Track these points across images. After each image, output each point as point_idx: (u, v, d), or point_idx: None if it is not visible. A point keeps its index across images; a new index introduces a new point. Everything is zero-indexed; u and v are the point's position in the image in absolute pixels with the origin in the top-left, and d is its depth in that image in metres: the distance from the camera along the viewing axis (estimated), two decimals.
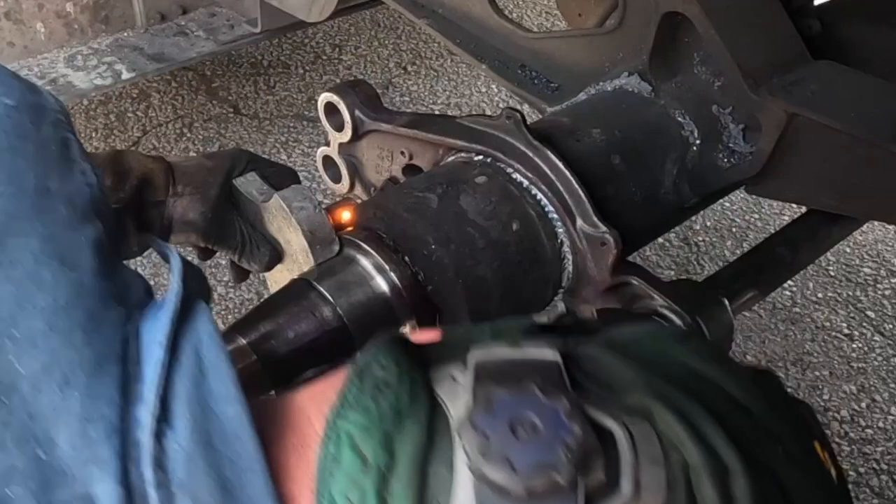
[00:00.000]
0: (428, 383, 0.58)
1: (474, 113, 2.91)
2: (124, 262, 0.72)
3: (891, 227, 2.65)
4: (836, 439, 2.08)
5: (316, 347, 1.05)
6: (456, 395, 0.57)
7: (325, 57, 3.38)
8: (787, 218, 2.69)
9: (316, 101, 1.36)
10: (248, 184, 1.15)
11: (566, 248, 1.16)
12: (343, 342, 1.07)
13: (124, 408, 0.56)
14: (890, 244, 2.63)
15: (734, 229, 2.67)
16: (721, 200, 2.14)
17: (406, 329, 1.12)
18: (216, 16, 2.34)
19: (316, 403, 0.62)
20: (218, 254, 1.18)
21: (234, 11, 2.33)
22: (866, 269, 2.56)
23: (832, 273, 2.53)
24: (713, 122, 1.25)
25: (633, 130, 1.28)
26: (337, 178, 1.43)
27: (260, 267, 1.17)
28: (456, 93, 3.24)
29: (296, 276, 1.13)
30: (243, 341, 1.03)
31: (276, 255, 1.16)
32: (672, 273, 2.51)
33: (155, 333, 0.60)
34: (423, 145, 1.28)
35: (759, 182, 1.25)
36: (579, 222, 1.14)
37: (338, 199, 1.27)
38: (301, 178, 1.19)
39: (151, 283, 0.68)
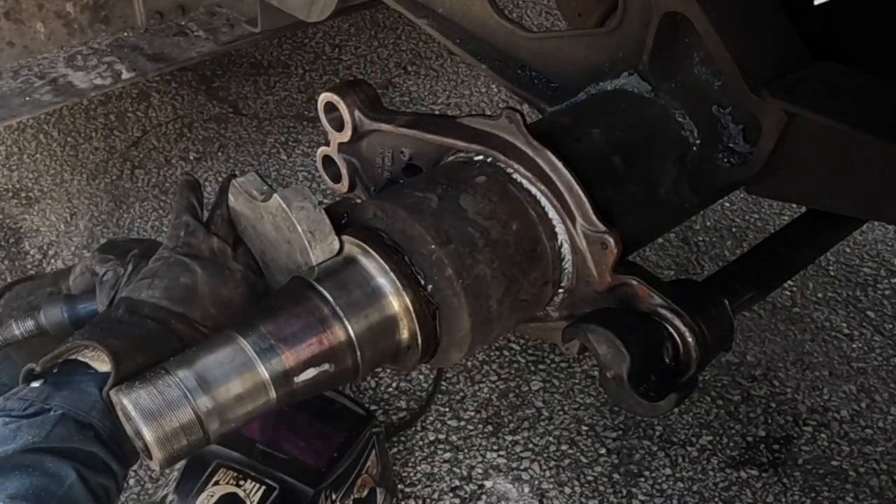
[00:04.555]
0: None
1: (474, 113, 2.91)
2: None
3: (891, 227, 2.65)
4: (837, 439, 2.08)
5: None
6: None
7: (325, 57, 3.38)
8: (787, 218, 2.68)
9: (316, 101, 1.36)
10: (248, 184, 1.14)
11: (566, 248, 1.16)
12: (343, 342, 1.07)
13: None
14: (890, 244, 2.63)
15: (734, 229, 2.67)
16: (721, 200, 2.15)
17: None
18: (216, 16, 2.34)
19: None
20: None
21: (234, 11, 2.33)
22: (866, 269, 2.55)
23: (832, 273, 2.53)
24: (713, 122, 1.25)
25: (633, 130, 1.28)
26: (337, 178, 1.43)
27: None
28: (456, 93, 3.24)
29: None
30: (243, 341, 1.03)
31: None
32: (672, 273, 2.51)
33: None
34: (423, 145, 1.28)
35: (759, 182, 1.25)
36: (579, 222, 1.14)
37: (338, 199, 1.27)
38: (301, 178, 1.19)
39: None
